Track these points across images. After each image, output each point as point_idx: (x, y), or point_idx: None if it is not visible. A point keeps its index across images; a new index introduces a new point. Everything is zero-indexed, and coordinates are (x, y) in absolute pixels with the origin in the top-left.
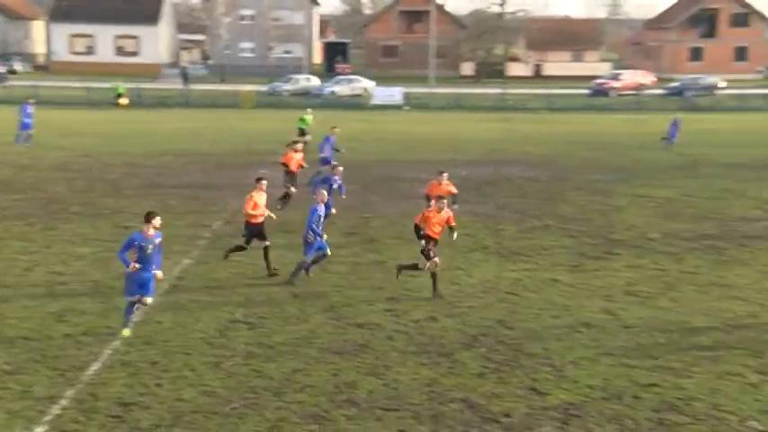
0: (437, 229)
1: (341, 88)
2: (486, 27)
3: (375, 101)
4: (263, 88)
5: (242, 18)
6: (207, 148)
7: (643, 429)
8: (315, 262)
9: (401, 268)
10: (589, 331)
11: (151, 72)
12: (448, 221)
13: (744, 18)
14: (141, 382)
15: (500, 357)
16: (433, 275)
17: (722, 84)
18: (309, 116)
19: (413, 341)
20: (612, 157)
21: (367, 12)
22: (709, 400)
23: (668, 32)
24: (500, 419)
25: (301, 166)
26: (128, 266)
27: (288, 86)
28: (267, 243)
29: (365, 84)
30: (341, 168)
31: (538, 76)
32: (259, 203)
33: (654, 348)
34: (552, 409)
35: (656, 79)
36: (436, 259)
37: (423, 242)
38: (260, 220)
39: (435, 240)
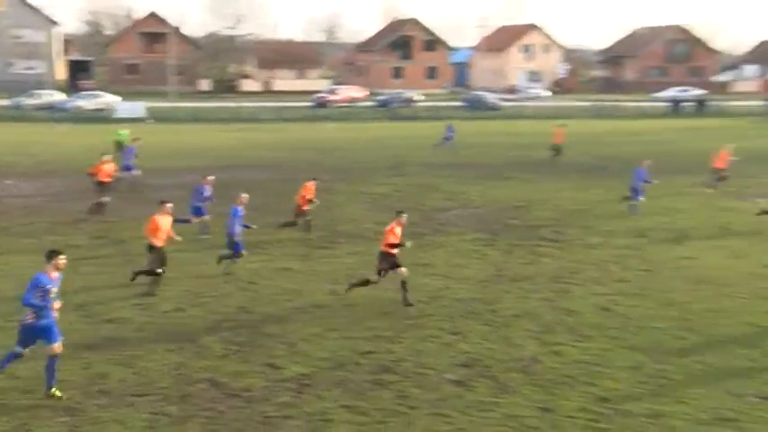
0: (396, 240)
1: (85, 103)
2: (220, 48)
3: (119, 114)
4: (6, 103)
5: None
6: None
7: (364, 390)
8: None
9: (353, 286)
10: (318, 311)
11: None
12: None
13: (432, 44)
14: None
15: (241, 339)
16: (404, 283)
17: (419, 97)
18: (126, 131)
19: (161, 331)
20: (333, 160)
21: (108, 32)
22: (414, 360)
23: (375, 54)
24: (242, 394)
25: (110, 176)
26: (38, 312)
27: (31, 101)
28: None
29: (109, 99)
30: (211, 178)
31: (268, 92)
32: (161, 226)
33: (371, 321)
34: (288, 381)
35: (368, 93)
36: (403, 269)
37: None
38: (159, 244)
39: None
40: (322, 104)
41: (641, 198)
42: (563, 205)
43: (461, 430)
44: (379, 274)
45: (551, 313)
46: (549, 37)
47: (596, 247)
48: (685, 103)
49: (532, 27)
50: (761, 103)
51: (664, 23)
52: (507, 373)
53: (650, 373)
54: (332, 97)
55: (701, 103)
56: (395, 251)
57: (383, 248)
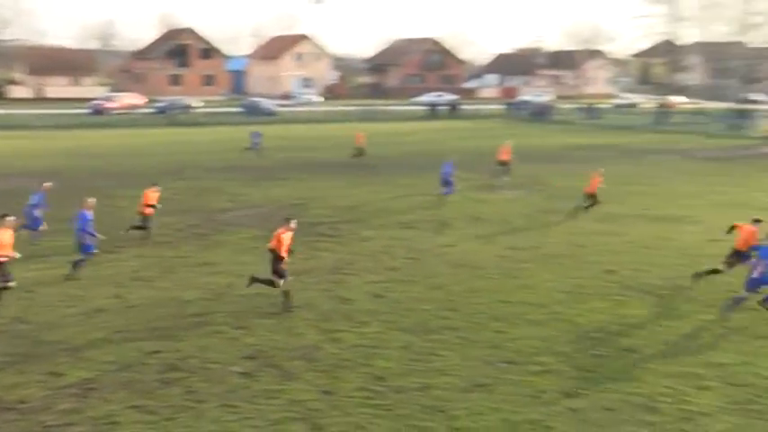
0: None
1: None
2: None
3: None
4: None
5: None
6: None
7: (152, 389)
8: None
9: (255, 280)
10: (102, 315)
11: None
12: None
13: (208, 52)
14: None
15: (18, 350)
16: (287, 293)
17: (198, 104)
18: None
19: None
20: (112, 166)
21: None
22: (201, 356)
23: (152, 62)
24: (17, 406)
25: None
26: None
27: None
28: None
29: None
30: (48, 184)
31: (41, 99)
32: (2, 241)
33: (156, 321)
34: (71, 387)
35: (147, 100)
36: (290, 278)
37: (280, 263)
38: (2, 259)
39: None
40: (99, 111)
41: (453, 188)
42: (337, 203)
43: (248, 419)
44: (281, 275)
45: (330, 303)
46: (318, 46)
47: (369, 239)
48: (440, 107)
49: (303, 37)
50: (501, 106)
51: (420, 36)
52: (291, 361)
53: (419, 350)
54: (109, 104)
55: (453, 106)
56: (284, 257)
57: (276, 253)
